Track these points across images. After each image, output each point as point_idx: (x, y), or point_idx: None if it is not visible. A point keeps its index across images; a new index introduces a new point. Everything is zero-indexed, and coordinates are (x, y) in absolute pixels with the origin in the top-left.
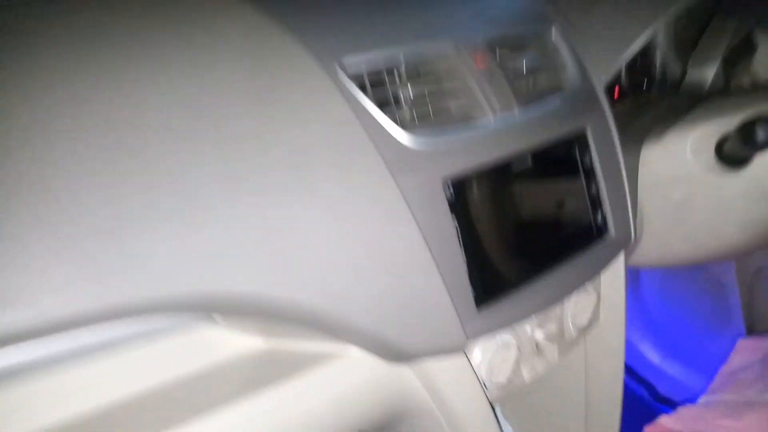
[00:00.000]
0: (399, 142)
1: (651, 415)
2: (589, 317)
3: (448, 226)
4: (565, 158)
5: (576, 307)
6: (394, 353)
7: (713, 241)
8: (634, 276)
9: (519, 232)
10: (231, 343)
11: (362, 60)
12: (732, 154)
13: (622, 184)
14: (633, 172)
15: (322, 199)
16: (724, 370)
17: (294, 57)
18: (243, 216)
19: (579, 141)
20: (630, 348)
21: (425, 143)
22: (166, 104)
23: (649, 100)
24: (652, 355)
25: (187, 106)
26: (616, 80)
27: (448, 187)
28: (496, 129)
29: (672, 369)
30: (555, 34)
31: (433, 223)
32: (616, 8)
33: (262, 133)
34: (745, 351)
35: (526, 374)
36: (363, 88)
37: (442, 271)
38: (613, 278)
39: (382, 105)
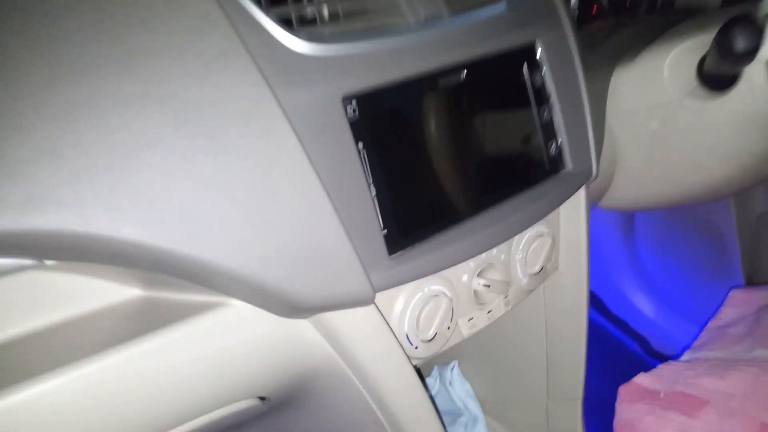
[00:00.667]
0: (288, 49)
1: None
2: (542, 263)
3: (349, 153)
4: (509, 77)
5: (527, 252)
6: (286, 308)
7: (693, 177)
8: (627, 225)
9: (448, 163)
10: (103, 291)
11: None
12: (714, 73)
13: (583, 111)
14: (600, 97)
15: (175, 117)
16: (713, 324)
17: None
18: (70, 134)
19: (527, 56)
20: (623, 301)
21: (324, 51)
22: None
23: (634, 21)
24: (646, 308)
25: None
26: None
27: (352, 106)
28: (419, 37)
29: (667, 323)
30: None
31: (329, 150)
32: None
33: (99, 33)
34: (737, 303)
35: (465, 329)
36: None
37: (340, 210)
38: (573, 219)
39: (274, 3)
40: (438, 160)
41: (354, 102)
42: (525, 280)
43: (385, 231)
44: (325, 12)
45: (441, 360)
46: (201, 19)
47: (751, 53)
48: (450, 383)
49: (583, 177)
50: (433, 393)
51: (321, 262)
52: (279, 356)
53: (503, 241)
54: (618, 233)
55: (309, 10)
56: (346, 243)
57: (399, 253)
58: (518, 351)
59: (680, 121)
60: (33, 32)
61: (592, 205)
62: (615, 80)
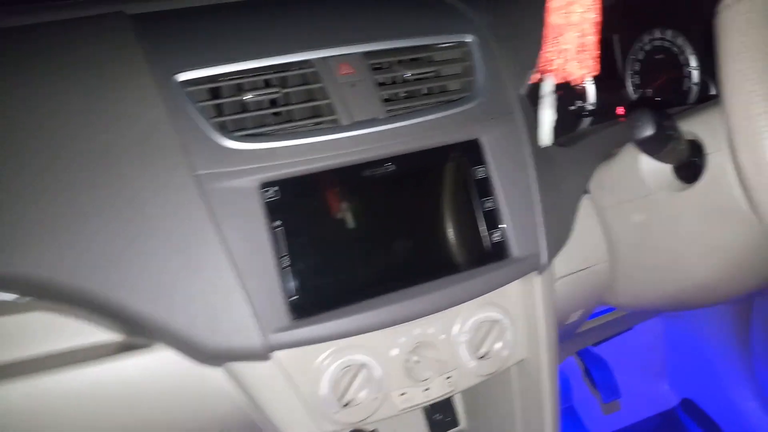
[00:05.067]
0: (220, 146)
1: None
2: (487, 348)
3: (259, 231)
4: (447, 169)
5: (472, 336)
6: (196, 352)
7: (678, 273)
8: (743, 353)
9: (366, 244)
10: (89, 334)
11: (202, 73)
12: (682, 164)
13: (532, 203)
14: (573, 190)
15: (123, 193)
16: None
17: (133, 71)
18: (44, 204)
19: (468, 151)
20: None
21: (249, 146)
22: None
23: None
24: None
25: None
26: (622, 98)
27: (271, 191)
28: (346, 135)
29: None
30: (471, 44)
31: (243, 228)
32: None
33: (77, 129)
34: None
35: (399, 402)
36: (199, 99)
37: (247, 278)
38: (530, 308)
39: (222, 113)
40: (356, 241)
41: (274, 187)
42: (473, 364)
43: (295, 297)
44: (268, 116)
45: None
46: (150, 125)
47: (650, 141)
48: None
49: (529, 266)
50: None
51: (224, 318)
52: (196, 397)
53: (415, 318)
54: (733, 353)
55: (251, 118)
56: (244, 305)
57: (305, 318)
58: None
59: (660, 213)
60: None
61: (599, 303)
62: (600, 175)
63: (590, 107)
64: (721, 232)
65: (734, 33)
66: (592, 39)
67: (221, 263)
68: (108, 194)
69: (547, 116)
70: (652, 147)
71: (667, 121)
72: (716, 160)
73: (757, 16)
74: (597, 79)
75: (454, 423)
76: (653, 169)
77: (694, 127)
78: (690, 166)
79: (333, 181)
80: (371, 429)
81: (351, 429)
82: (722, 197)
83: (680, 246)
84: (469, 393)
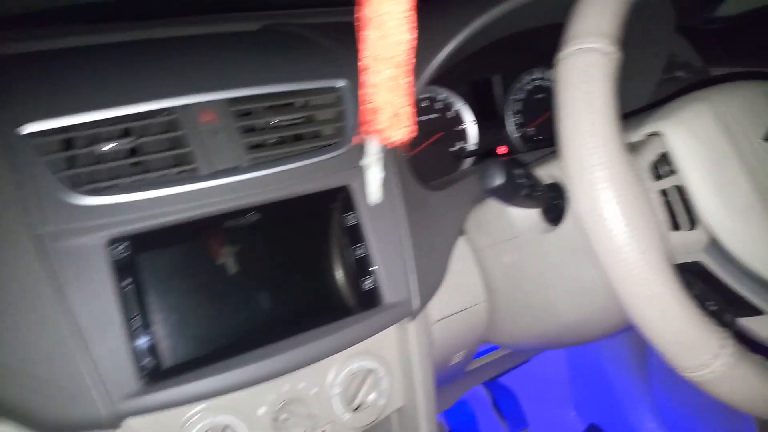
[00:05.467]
0: (66, 202)
1: None
2: (361, 399)
3: (106, 291)
4: (317, 217)
5: (346, 387)
6: (39, 425)
7: (549, 313)
8: (642, 377)
9: (227, 299)
10: None
11: (50, 124)
12: (547, 207)
13: (403, 249)
14: (446, 233)
15: None
16: None
17: None
18: None
19: (338, 199)
20: None
21: (100, 202)
22: None
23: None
24: None
25: None
26: (503, 138)
27: (120, 248)
28: (205, 185)
29: None
30: (343, 89)
31: (85, 288)
32: None
33: None
34: None
35: None
36: (46, 151)
37: (90, 342)
38: (406, 354)
39: (74, 165)
40: (217, 296)
41: (124, 243)
42: (347, 416)
43: (147, 360)
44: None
45: None
46: None
47: (501, 190)
48: None
49: (402, 312)
50: None
51: (66, 387)
52: None
53: (283, 374)
54: (633, 378)
55: (106, 168)
56: (89, 372)
57: (158, 382)
58: None
59: (529, 254)
60: None
61: (482, 342)
62: (475, 217)
63: (471, 148)
64: (585, 273)
65: (567, 86)
66: (407, 101)
67: (61, 328)
68: None
69: (374, 175)
70: (504, 195)
71: (518, 170)
72: (573, 204)
73: (589, 69)
74: (479, 120)
75: None
76: (522, 212)
77: (555, 171)
78: (555, 208)
79: (191, 234)
80: None
81: None
82: (583, 239)
83: (549, 287)
84: None
